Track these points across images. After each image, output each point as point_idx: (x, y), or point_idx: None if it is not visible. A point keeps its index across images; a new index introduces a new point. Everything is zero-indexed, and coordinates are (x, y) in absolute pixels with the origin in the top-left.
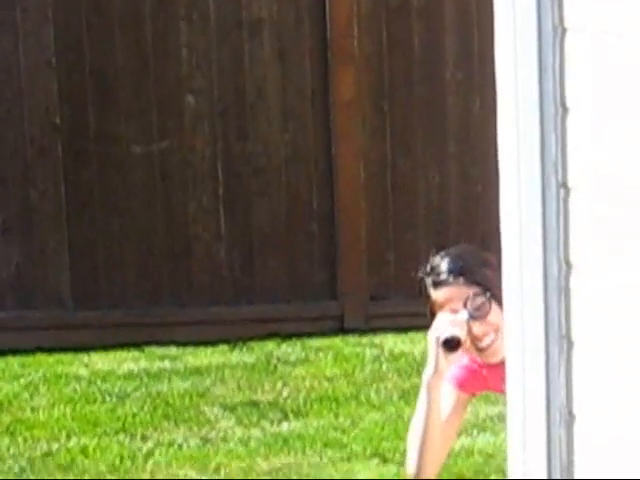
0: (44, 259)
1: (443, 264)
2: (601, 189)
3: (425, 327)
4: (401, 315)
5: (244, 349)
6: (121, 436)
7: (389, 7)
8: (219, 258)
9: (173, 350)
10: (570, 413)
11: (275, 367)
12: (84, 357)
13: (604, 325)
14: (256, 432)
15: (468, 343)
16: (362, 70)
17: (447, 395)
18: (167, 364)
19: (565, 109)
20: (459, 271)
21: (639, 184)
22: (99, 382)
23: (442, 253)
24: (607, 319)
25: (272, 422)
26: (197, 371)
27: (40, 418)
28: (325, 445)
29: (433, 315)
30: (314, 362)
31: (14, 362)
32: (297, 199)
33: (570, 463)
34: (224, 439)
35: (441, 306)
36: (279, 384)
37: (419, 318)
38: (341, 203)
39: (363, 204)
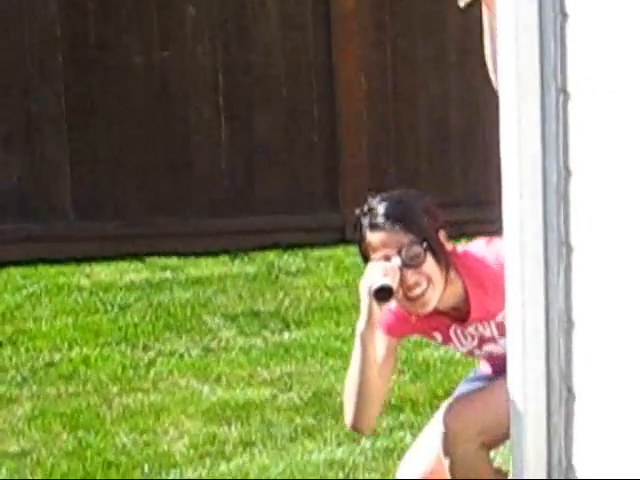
0: (45, 170)
1: (382, 207)
2: (601, 96)
3: None
4: None
5: (245, 259)
6: (123, 346)
7: None
8: (220, 169)
9: (175, 261)
10: (569, 320)
11: (276, 277)
12: (86, 268)
13: (605, 233)
14: (257, 341)
15: (400, 292)
16: None
17: (377, 342)
18: (169, 274)
19: (564, 15)
20: (397, 217)
21: None
22: (101, 293)
23: (383, 195)
24: (608, 227)
25: (273, 331)
26: (199, 281)
27: (42, 329)
28: (326, 354)
29: (366, 257)
30: (315, 272)
31: (16, 274)
32: (298, 109)
33: (569, 374)
34: (225, 348)
35: (374, 250)
36: (280, 294)
37: None
38: (342, 114)
39: (364, 115)
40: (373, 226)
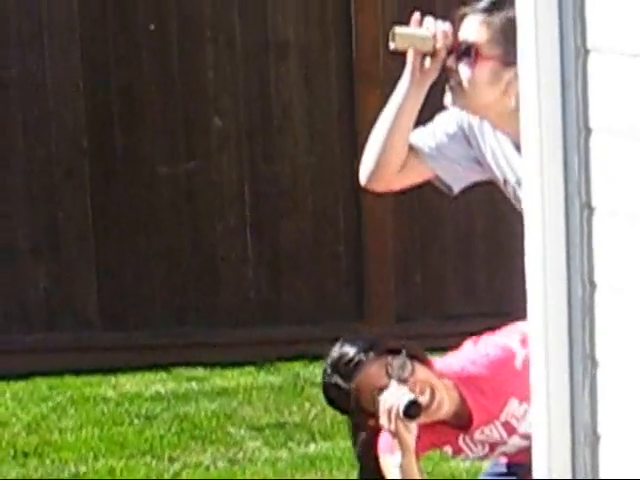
0: (71, 280)
1: (349, 350)
2: (624, 209)
3: (450, 347)
4: (427, 336)
5: (271, 370)
6: (148, 458)
7: None
8: (246, 279)
9: (200, 371)
10: (595, 433)
11: (302, 388)
12: (112, 379)
13: (629, 345)
14: (283, 453)
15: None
16: (387, 92)
17: (394, 466)
18: (194, 385)
19: (588, 130)
20: (365, 348)
21: None
22: (127, 404)
23: (335, 347)
24: (631, 339)
25: (299, 443)
26: (224, 392)
27: (68, 440)
28: (352, 466)
29: (363, 411)
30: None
31: (42, 384)
32: (323, 220)
33: None
34: (251, 460)
35: (365, 391)
36: (306, 405)
37: (445, 339)
38: (368, 224)
39: (390, 224)
40: (352, 371)
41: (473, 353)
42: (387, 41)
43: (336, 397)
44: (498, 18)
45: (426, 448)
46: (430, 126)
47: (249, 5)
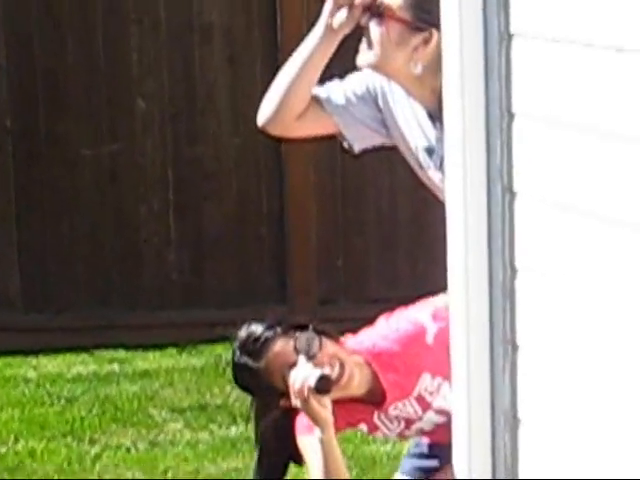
0: None
1: (254, 330)
2: (546, 194)
3: None
4: (349, 319)
5: (193, 352)
6: (69, 439)
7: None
8: (169, 261)
9: (122, 353)
10: (515, 417)
11: (224, 370)
12: (33, 360)
13: (549, 329)
14: (204, 435)
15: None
16: None
17: (313, 445)
18: (116, 367)
19: (511, 115)
20: (271, 325)
21: (583, 190)
22: (48, 385)
23: (243, 327)
24: (551, 323)
25: (220, 425)
26: (146, 374)
27: None
28: None
29: (274, 391)
30: None
31: None
32: (247, 203)
33: (515, 466)
34: (172, 442)
35: (274, 369)
36: (228, 387)
37: (367, 323)
38: (291, 207)
39: (313, 208)
40: (261, 348)
41: (385, 329)
42: (313, 23)
43: (247, 378)
44: None
45: (342, 427)
46: (341, 83)
47: None
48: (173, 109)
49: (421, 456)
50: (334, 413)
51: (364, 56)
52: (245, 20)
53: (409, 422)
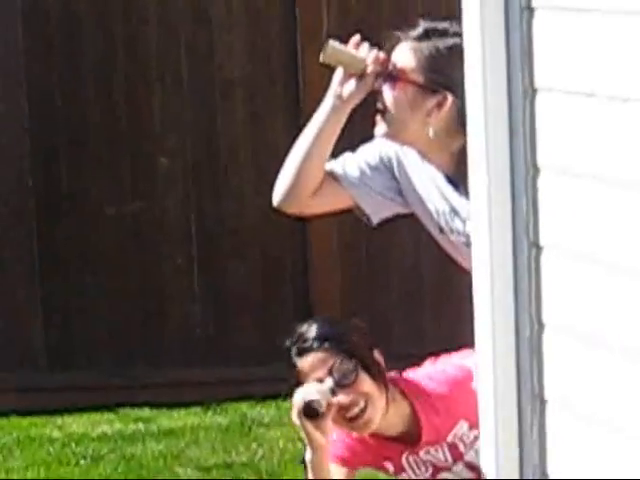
0: (17, 320)
1: (310, 330)
2: (572, 247)
3: None
4: None
5: (218, 410)
6: None
7: None
8: (193, 319)
9: (147, 412)
10: (544, 473)
11: (249, 428)
12: (58, 419)
13: (576, 382)
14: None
15: (341, 415)
16: None
17: (335, 474)
18: (141, 426)
19: (536, 169)
20: (325, 336)
21: (609, 242)
22: (73, 444)
23: (310, 320)
24: (579, 378)
25: None
26: (171, 433)
27: None
28: None
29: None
30: (288, 423)
31: None
32: (271, 260)
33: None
34: None
35: (305, 376)
36: (253, 445)
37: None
38: (315, 264)
39: (337, 266)
40: (302, 351)
41: (431, 370)
42: (332, 75)
43: (290, 365)
44: (427, 46)
45: (368, 462)
46: (354, 155)
47: (196, 44)
48: (195, 165)
49: None
50: (357, 448)
51: (380, 126)
52: (266, 74)
53: (437, 469)
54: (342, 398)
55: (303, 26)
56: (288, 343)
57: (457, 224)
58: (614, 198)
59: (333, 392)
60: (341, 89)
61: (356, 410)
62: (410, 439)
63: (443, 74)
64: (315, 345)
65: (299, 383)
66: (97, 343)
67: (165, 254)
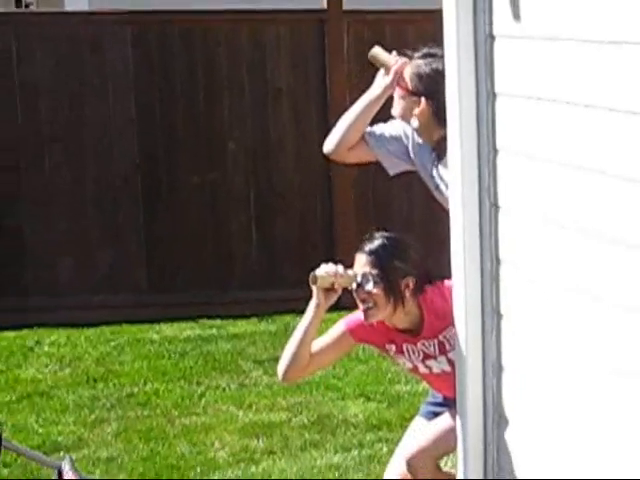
0: (128, 259)
1: (375, 241)
2: (525, 208)
3: None
4: None
5: (269, 321)
6: (182, 382)
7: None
8: (252, 257)
9: (219, 321)
10: (500, 366)
11: (291, 333)
12: (156, 327)
13: (527, 302)
14: (277, 380)
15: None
16: None
17: (336, 328)
18: (214, 331)
19: (495, 150)
20: (377, 252)
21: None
22: (166, 344)
23: (385, 234)
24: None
25: None
26: (236, 336)
27: (125, 370)
28: (326, 388)
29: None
30: (320, 329)
31: (107, 331)
32: (306, 216)
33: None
34: (255, 384)
35: (354, 263)
36: None
37: None
38: (337, 217)
39: (353, 216)
40: (361, 248)
41: (443, 289)
42: (353, 89)
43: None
44: (421, 63)
45: (365, 339)
46: (384, 125)
47: (254, 63)
48: (253, 149)
49: (435, 404)
50: (374, 328)
51: (395, 109)
52: (304, 85)
53: (426, 357)
54: (360, 294)
55: (330, 50)
56: (367, 235)
57: (442, 186)
58: (555, 172)
59: (359, 285)
60: (384, 81)
61: (363, 306)
62: (412, 333)
63: (424, 84)
64: (367, 251)
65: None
66: (183, 273)
67: (231, 211)
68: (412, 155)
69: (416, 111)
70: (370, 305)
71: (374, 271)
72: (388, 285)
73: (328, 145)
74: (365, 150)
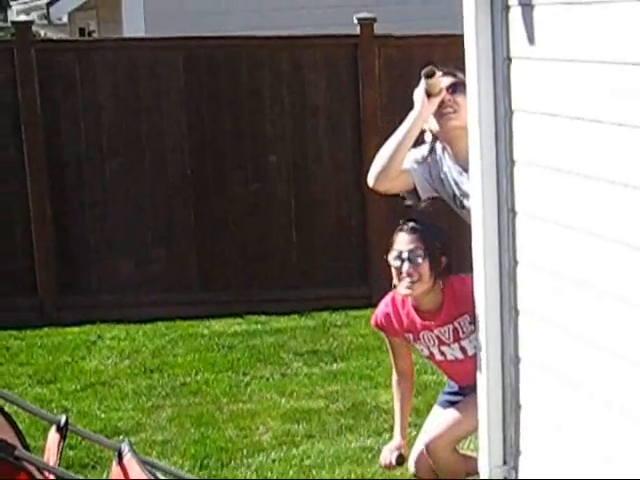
0: (181, 261)
1: (415, 224)
2: (536, 212)
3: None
4: None
5: (308, 317)
6: (230, 373)
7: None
8: (292, 259)
9: (263, 317)
10: (517, 357)
11: (328, 329)
12: (206, 322)
13: (547, 299)
14: (316, 370)
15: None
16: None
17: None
18: (259, 327)
19: (513, 162)
20: (420, 231)
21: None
22: (216, 338)
23: (418, 221)
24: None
25: (326, 363)
26: (278, 331)
27: (178, 361)
28: (360, 378)
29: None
30: (353, 325)
31: (162, 326)
32: (342, 220)
33: (517, 393)
34: (296, 374)
35: (393, 244)
36: (331, 339)
37: None
38: (370, 224)
39: (384, 223)
40: (400, 229)
41: (467, 280)
42: (383, 107)
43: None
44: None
45: (389, 330)
46: (414, 151)
47: (293, 83)
48: (293, 160)
49: (451, 394)
50: (396, 320)
51: (427, 134)
52: (339, 102)
53: (441, 343)
54: (406, 269)
55: (362, 71)
56: (401, 221)
57: (465, 202)
58: (566, 181)
59: (409, 260)
60: (426, 102)
61: (410, 280)
62: (430, 316)
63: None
64: (410, 230)
65: (389, 248)
66: (231, 274)
67: (274, 217)
68: (436, 181)
69: (460, 116)
70: (415, 279)
71: (421, 247)
72: (432, 260)
73: (373, 177)
74: (405, 179)
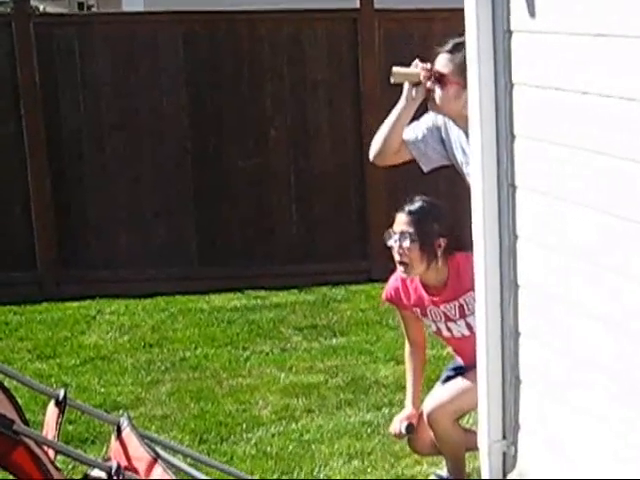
0: (180, 236)
1: (415, 203)
2: (536, 186)
3: None
4: None
5: (308, 292)
6: (229, 347)
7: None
8: (292, 234)
9: (262, 292)
10: (517, 331)
11: (327, 303)
12: (205, 297)
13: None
14: (316, 344)
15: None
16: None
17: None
18: (259, 301)
19: (513, 136)
20: (416, 213)
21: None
22: (215, 313)
23: (425, 198)
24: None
25: (326, 338)
26: (278, 306)
27: (178, 336)
28: (359, 353)
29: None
30: (353, 300)
31: (161, 301)
32: (341, 195)
33: (517, 367)
34: (295, 349)
35: (393, 224)
36: (330, 314)
37: None
38: (370, 197)
39: (384, 199)
40: (400, 209)
41: (470, 258)
42: (383, 81)
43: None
44: (458, 57)
45: (398, 303)
46: (417, 124)
47: (294, 57)
48: (293, 135)
49: (454, 369)
50: (405, 294)
51: (432, 106)
52: (338, 76)
53: (448, 319)
54: (397, 251)
55: (362, 45)
56: (409, 198)
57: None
58: (567, 155)
59: (399, 241)
60: (410, 93)
61: (400, 261)
62: (437, 292)
63: (465, 75)
64: (407, 211)
65: (390, 225)
66: (230, 248)
67: (273, 191)
68: (447, 146)
69: (464, 96)
70: (406, 260)
71: (411, 230)
72: (423, 244)
73: (372, 153)
74: (406, 151)
